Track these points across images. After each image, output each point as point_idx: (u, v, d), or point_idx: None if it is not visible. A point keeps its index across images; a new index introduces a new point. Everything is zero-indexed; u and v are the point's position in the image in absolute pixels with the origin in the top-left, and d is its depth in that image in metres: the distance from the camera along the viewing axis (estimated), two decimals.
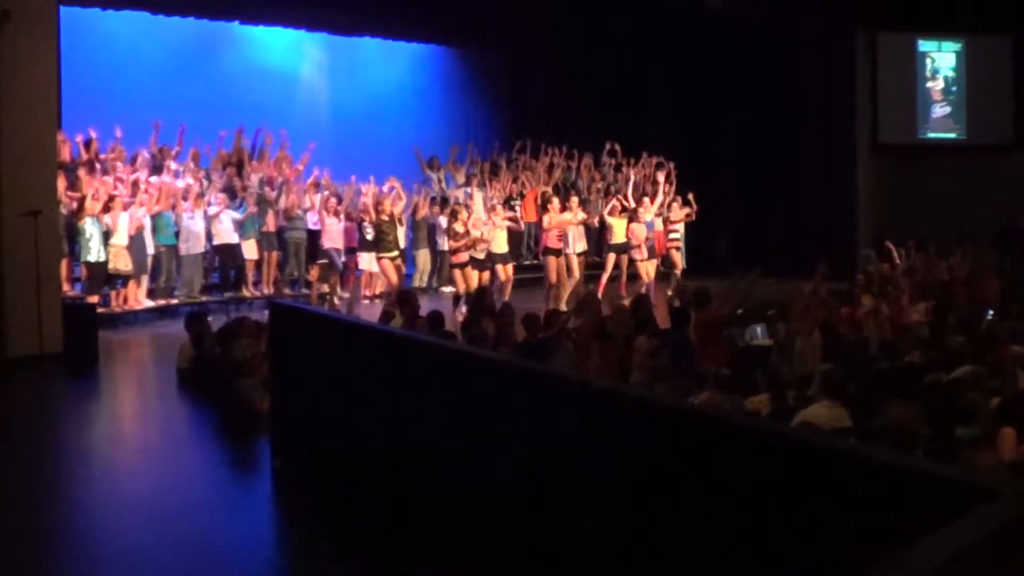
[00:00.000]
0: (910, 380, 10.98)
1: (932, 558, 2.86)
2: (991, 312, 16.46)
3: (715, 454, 4.72)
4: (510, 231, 21.11)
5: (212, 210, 19.46)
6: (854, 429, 8.70)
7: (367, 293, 21.07)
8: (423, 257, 22.76)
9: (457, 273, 19.66)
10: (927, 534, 3.05)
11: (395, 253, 19.74)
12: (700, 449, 4.81)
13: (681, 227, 23.89)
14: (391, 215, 19.67)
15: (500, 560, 6.18)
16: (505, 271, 20.26)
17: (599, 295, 18.82)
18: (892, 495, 3.87)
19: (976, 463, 7.19)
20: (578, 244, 21.08)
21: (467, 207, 21.16)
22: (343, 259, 20.31)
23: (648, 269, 21.52)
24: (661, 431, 5.06)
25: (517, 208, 23.75)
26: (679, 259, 23.19)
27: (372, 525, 7.50)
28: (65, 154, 18.59)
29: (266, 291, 20.40)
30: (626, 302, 16.13)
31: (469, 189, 23.20)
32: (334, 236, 20.24)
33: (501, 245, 20.35)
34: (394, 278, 19.54)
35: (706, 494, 4.70)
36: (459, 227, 19.51)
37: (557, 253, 20.24)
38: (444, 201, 22.87)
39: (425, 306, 14.51)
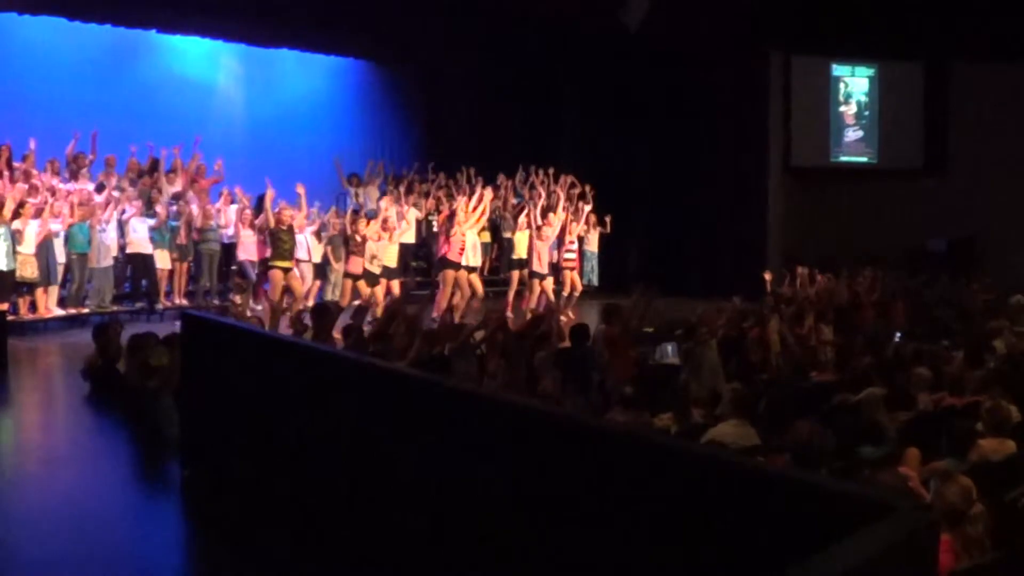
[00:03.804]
0: (817, 400, 11.15)
1: (824, 572, 2.92)
2: (899, 334, 16.70)
3: (620, 471, 4.76)
4: (402, 246, 21.30)
5: (127, 214, 19.35)
6: (761, 447, 8.79)
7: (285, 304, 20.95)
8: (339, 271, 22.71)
9: (348, 283, 19.65)
10: (825, 549, 3.12)
11: (289, 263, 19.44)
12: (605, 466, 4.85)
13: (579, 247, 23.85)
14: (289, 225, 19.47)
15: (408, 571, 6.20)
16: (392, 287, 20.26)
17: (507, 312, 18.88)
18: (794, 511, 3.93)
19: (878, 481, 7.30)
20: (473, 259, 21.08)
21: (384, 221, 21.04)
22: (256, 271, 20.26)
23: (546, 286, 21.45)
24: (566, 447, 5.10)
25: (434, 223, 23.79)
26: (575, 279, 22.88)
27: (280, 536, 7.48)
28: None
29: (178, 301, 20.26)
30: (528, 318, 16.21)
31: (384, 203, 23.18)
32: (249, 248, 20.18)
33: (391, 260, 20.39)
34: (284, 288, 19.19)
35: (610, 511, 4.73)
36: (358, 238, 19.58)
37: (457, 267, 20.19)
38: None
39: (341, 319, 14.44)
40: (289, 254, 19.41)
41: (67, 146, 20.37)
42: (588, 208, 24.70)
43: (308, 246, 20.70)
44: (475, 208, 21.35)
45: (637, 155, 28.87)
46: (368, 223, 20.34)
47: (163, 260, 20.00)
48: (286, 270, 19.27)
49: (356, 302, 18.49)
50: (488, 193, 22.55)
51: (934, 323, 18.88)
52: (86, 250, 18.80)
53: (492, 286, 23.22)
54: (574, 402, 10.99)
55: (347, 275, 19.92)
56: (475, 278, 20.92)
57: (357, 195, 24.24)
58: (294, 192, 20.76)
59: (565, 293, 22.36)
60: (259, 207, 21.06)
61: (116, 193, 19.70)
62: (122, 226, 19.42)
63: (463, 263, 20.41)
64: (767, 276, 22.66)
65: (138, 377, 11.71)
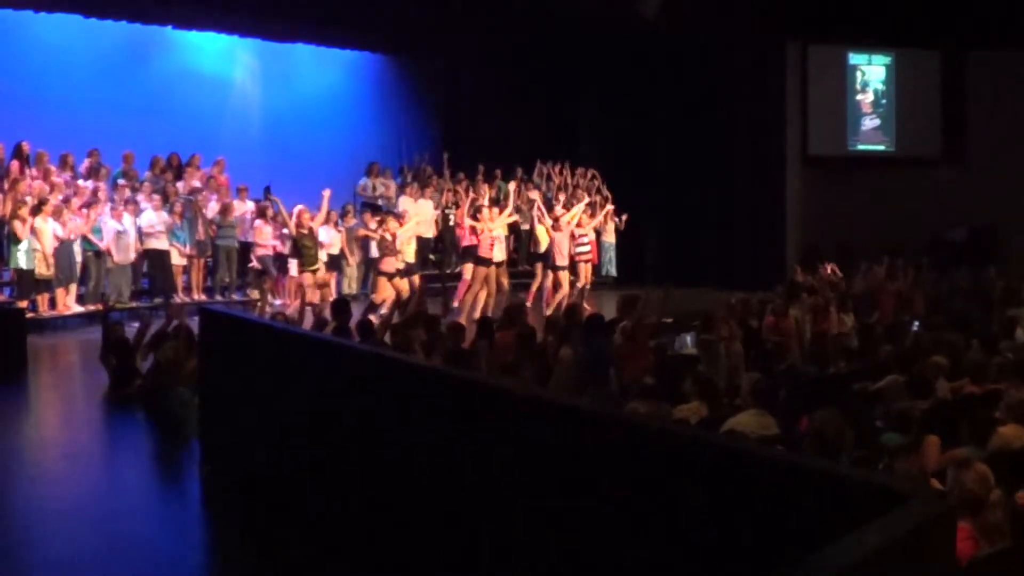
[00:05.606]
0: (837, 389, 11.12)
1: (841, 560, 2.93)
2: (917, 323, 16.64)
3: (642, 461, 4.76)
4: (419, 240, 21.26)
5: (143, 206, 19.46)
6: (781, 437, 8.78)
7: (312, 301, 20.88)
8: (353, 264, 22.71)
9: (383, 281, 19.56)
10: (842, 537, 3.12)
11: (317, 266, 19.29)
12: (626, 456, 4.85)
13: (596, 239, 23.71)
14: (311, 229, 19.28)
15: (428, 565, 6.20)
16: (412, 282, 20.13)
17: (528, 305, 18.79)
18: (813, 500, 3.94)
19: (897, 470, 7.29)
20: (499, 254, 20.85)
21: (399, 216, 20.98)
22: (275, 265, 20.25)
23: (562, 277, 21.26)
24: (589, 438, 5.10)
25: (452, 217, 23.77)
26: (584, 272, 22.28)
27: (300, 531, 7.50)
28: None
29: (196, 297, 20.28)
30: (549, 312, 16.10)
31: (404, 195, 23.18)
32: (267, 243, 20.19)
33: (410, 256, 20.28)
34: (321, 292, 19.11)
35: (632, 500, 4.74)
36: (388, 236, 19.49)
37: (488, 263, 20.03)
38: (377, 208, 22.83)
39: (357, 313, 14.46)
40: (315, 258, 19.26)
41: (82, 164, 20.40)
42: (609, 208, 24.73)
43: (325, 239, 20.76)
44: (503, 212, 21.19)
45: (654, 145, 28.77)
46: (401, 223, 20.31)
47: (178, 255, 20.04)
48: (315, 271, 19.12)
49: (386, 299, 18.54)
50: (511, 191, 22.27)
51: (952, 312, 18.80)
52: (101, 248, 18.88)
53: (511, 277, 23.17)
54: (592, 395, 10.96)
55: (381, 273, 19.87)
56: (501, 272, 20.79)
57: (374, 187, 24.23)
58: (316, 193, 20.65)
59: (580, 285, 22.14)
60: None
61: (128, 192, 19.80)
62: (139, 217, 19.47)
63: (492, 259, 20.29)
64: (799, 269, 22.55)
65: (154, 372, 11.81)
